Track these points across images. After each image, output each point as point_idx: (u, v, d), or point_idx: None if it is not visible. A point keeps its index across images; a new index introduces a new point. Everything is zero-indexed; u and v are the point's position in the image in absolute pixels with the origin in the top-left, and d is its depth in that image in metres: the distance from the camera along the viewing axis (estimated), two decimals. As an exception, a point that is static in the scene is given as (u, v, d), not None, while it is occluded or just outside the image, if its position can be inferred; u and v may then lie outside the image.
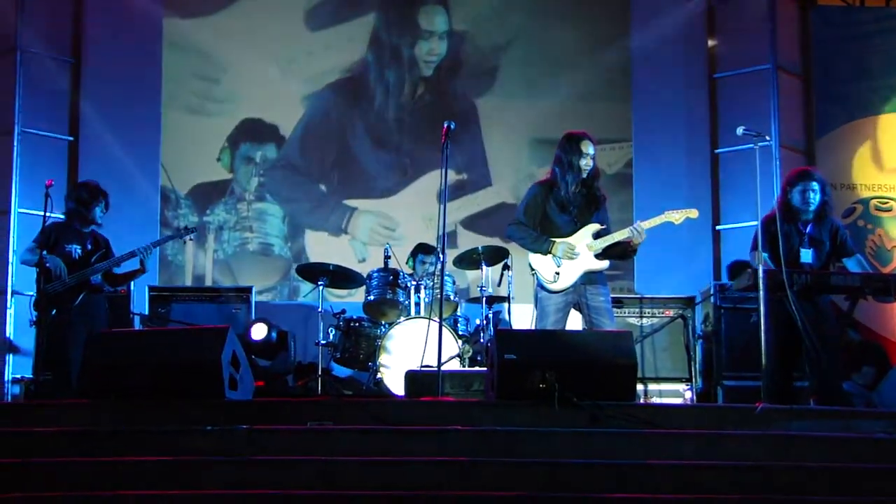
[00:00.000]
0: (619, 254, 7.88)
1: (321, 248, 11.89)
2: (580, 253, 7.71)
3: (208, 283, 11.81)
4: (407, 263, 10.34)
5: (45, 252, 8.45)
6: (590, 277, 7.76)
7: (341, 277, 10.21)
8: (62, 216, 9.04)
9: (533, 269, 7.81)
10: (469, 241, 11.65)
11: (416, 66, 12.43)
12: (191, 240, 9.44)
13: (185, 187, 12.01)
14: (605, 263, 7.78)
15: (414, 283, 9.79)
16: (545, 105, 12.22)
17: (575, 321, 8.08)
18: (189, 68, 12.17)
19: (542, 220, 7.86)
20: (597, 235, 7.79)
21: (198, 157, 12.10)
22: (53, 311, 8.43)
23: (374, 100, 12.35)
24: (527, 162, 12.25)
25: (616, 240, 7.74)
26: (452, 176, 11.97)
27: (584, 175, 7.83)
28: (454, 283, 10.00)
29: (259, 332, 10.20)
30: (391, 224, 12.10)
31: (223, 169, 12.06)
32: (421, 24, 12.49)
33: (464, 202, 12.09)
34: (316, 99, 12.28)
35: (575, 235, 7.77)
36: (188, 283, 11.79)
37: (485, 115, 12.37)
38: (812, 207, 8.17)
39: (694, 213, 7.80)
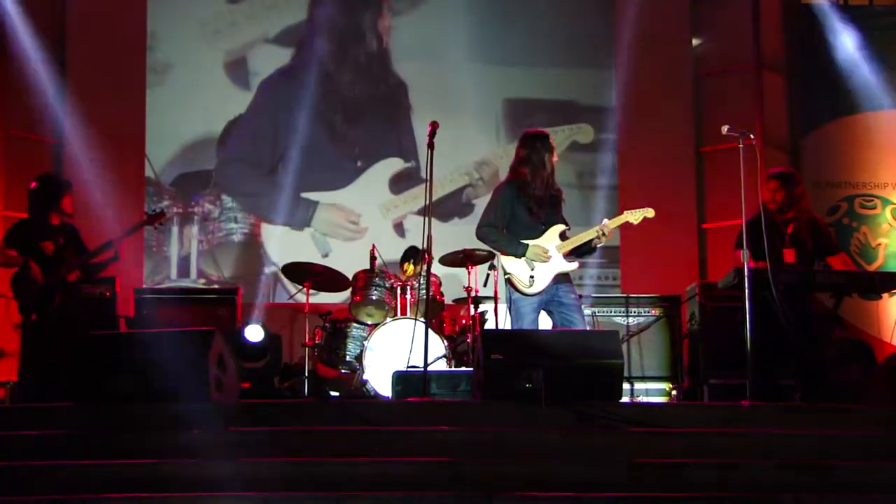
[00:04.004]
0: (582, 252, 7.91)
1: (282, 242, 11.96)
2: (552, 255, 7.72)
3: (193, 274, 11.82)
4: (405, 269, 10.21)
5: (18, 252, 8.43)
6: (560, 277, 7.78)
7: (326, 280, 10.19)
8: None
9: (507, 273, 7.80)
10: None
11: (353, 46, 12.42)
12: (161, 225, 9.35)
13: (170, 178, 11.99)
14: (575, 265, 7.83)
15: (399, 283, 9.78)
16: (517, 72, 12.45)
17: (543, 321, 8.08)
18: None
19: (509, 221, 7.86)
20: (562, 236, 7.81)
21: (182, 146, 12.07)
22: (35, 315, 8.39)
23: (316, 88, 12.22)
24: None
25: (583, 240, 7.77)
26: (400, 164, 12.04)
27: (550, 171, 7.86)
28: (440, 283, 9.99)
29: (255, 334, 10.16)
30: (353, 217, 12.10)
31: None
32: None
33: (418, 191, 12.00)
34: (257, 90, 12.26)
35: (544, 237, 7.77)
36: (173, 273, 11.81)
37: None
38: (776, 207, 8.23)
39: (651, 213, 7.85)
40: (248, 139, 12.18)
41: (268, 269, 11.78)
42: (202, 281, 11.75)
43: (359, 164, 12.22)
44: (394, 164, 12.08)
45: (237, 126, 12.16)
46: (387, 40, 12.40)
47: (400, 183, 12.05)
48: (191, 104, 12.15)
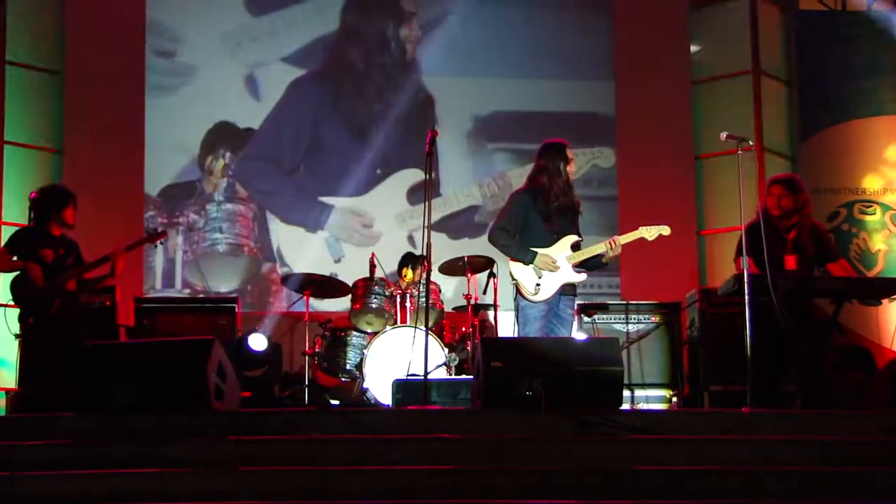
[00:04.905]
0: (593, 265, 7.91)
1: (295, 243, 11.96)
2: (561, 265, 7.72)
3: (178, 284, 11.79)
4: (403, 275, 10.20)
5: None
6: (567, 288, 7.78)
7: (326, 287, 10.21)
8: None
9: (514, 279, 7.81)
10: (440, 242, 11.69)
11: (384, 54, 12.43)
12: (161, 244, 9.35)
13: (156, 189, 11.96)
14: (582, 276, 7.84)
15: (399, 292, 9.78)
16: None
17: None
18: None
19: (521, 229, 7.86)
20: (574, 247, 7.82)
21: (168, 159, 12.05)
22: (30, 321, 8.39)
23: (343, 94, 12.30)
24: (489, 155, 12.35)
25: (594, 253, 7.78)
26: (420, 175, 12.01)
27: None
28: (440, 290, 10.00)
29: (259, 343, 10.12)
30: (367, 221, 12.09)
31: (212, 176, 12.04)
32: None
33: (435, 203, 11.92)
34: (285, 92, 12.24)
35: (555, 247, 7.79)
36: (158, 283, 11.76)
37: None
38: (780, 213, 8.22)
39: (666, 230, 7.83)
40: (273, 137, 12.17)
41: (280, 270, 11.72)
42: (187, 291, 11.73)
43: (378, 171, 12.19)
44: (413, 175, 12.04)
45: (262, 124, 12.18)
46: (413, 51, 12.40)
47: (417, 193, 11.97)
48: (185, 112, 12.14)
